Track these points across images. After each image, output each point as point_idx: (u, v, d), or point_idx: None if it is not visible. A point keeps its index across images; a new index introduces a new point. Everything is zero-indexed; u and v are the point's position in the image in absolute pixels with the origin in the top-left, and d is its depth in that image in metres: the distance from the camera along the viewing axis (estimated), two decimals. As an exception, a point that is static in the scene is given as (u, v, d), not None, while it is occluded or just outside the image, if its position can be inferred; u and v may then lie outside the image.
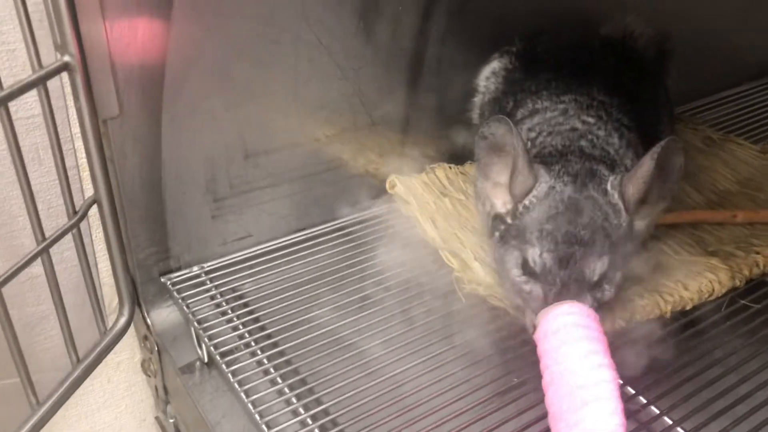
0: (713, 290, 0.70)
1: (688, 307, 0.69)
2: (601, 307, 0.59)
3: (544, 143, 0.66)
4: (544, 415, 0.55)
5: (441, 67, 0.82)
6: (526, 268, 0.58)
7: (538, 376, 0.61)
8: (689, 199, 0.83)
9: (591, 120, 0.68)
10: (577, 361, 0.53)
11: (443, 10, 0.77)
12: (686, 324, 0.70)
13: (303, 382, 0.63)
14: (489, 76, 0.81)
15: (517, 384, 0.63)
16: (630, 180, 0.59)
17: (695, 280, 0.70)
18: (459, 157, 0.86)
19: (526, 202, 0.60)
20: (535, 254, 0.57)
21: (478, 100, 0.82)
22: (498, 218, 0.63)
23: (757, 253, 0.73)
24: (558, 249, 0.56)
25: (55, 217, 0.69)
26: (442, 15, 0.78)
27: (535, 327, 0.57)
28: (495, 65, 0.80)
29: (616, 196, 0.59)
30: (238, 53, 0.67)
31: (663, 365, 0.64)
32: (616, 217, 0.59)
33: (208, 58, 0.65)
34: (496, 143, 0.60)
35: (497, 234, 0.63)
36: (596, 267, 0.57)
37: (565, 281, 0.56)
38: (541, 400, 0.59)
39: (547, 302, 0.57)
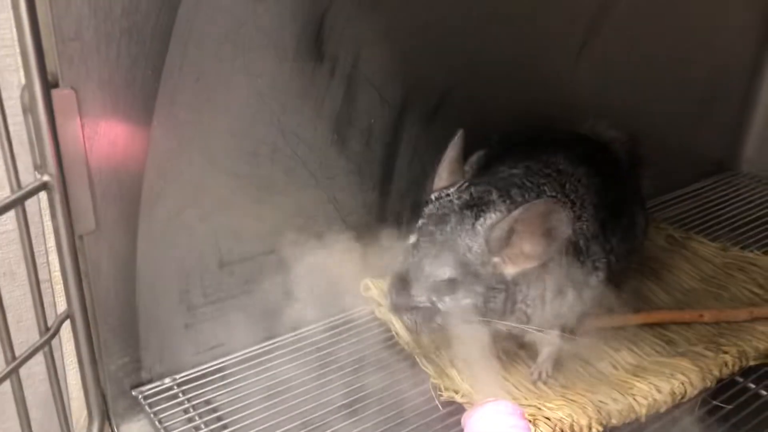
0: (685, 392, 0.71)
1: (662, 410, 0.70)
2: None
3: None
4: None
5: (411, 172, 0.84)
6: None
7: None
8: (657, 298, 0.85)
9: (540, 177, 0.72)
10: None
11: (414, 118, 0.80)
12: (660, 428, 0.70)
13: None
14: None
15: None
16: (496, 225, 0.63)
17: (667, 382, 0.70)
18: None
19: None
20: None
21: None
22: None
23: (725, 353, 0.75)
24: (414, 243, 0.65)
25: (24, 331, 0.68)
26: (414, 123, 0.80)
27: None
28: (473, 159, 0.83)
29: (481, 235, 0.63)
30: (215, 165, 0.68)
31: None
32: (475, 246, 0.63)
33: (185, 171, 0.66)
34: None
35: None
36: (437, 271, 0.63)
37: (406, 267, 0.64)
38: None
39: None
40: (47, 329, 0.60)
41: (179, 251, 0.70)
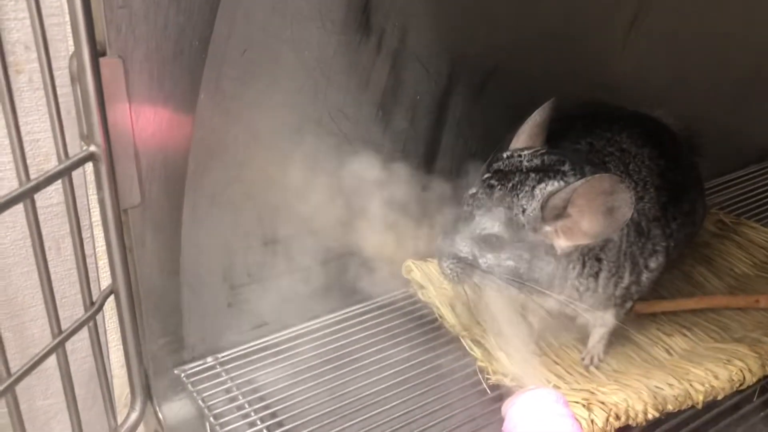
0: (744, 379, 0.68)
1: (719, 397, 0.67)
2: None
3: None
4: None
5: (455, 152, 0.82)
6: None
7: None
8: (708, 284, 0.83)
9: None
10: None
11: (460, 97, 0.78)
12: (718, 415, 0.68)
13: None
14: None
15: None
16: (555, 194, 0.60)
17: (725, 369, 0.68)
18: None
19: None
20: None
21: None
22: None
23: (784, 339, 0.72)
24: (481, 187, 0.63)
25: (69, 307, 0.67)
26: (459, 102, 0.78)
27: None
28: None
29: (538, 200, 0.61)
30: (260, 142, 0.67)
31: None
32: (529, 209, 0.61)
33: (230, 147, 0.65)
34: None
35: None
36: (486, 224, 0.61)
37: (459, 216, 0.63)
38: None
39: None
40: (92, 304, 0.59)
41: (223, 228, 0.68)
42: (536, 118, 0.68)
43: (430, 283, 0.79)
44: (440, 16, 0.73)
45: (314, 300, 0.77)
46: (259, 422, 0.66)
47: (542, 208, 0.60)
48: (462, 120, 0.80)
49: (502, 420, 0.65)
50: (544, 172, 0.62)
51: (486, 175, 0.64)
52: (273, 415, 0.67)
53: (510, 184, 0.62)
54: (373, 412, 0.67)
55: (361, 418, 0.66)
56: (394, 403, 0.68)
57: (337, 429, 0.65)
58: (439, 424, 0.66)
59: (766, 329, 0.74)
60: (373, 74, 0.71)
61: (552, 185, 0.61)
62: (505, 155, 0.66)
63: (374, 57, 0.71)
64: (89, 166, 0.58)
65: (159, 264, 0.65)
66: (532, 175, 0.62)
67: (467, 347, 0.73)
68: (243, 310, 0.73)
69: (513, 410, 0.55)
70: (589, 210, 0.59)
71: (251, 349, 0.74)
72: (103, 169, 0.56)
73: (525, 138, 0.68)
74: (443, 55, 0.75)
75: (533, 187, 0.61)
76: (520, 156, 0.64)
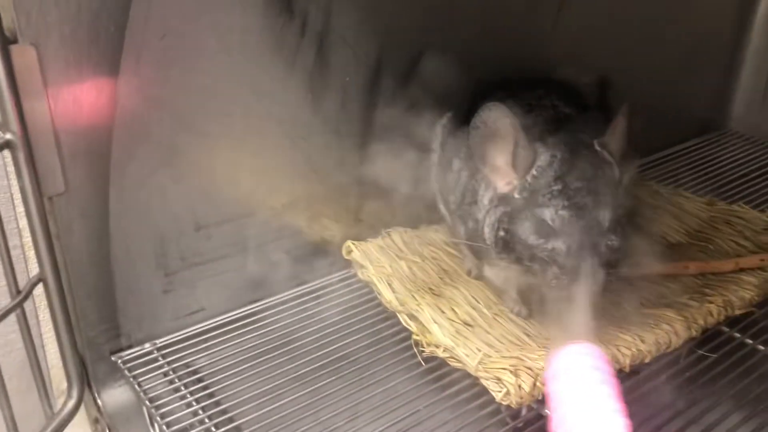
0: (670, 342, 0.70)
1: (646, 360, 0.69)
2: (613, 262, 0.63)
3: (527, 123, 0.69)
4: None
5: (390, 133, 0.83)
6: (542, 230, 0.62)
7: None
8: (642, 252, 0.84)
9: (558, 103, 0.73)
10: (590, 404, 0.54)
11: (390, 79, 0.79)
12: (646, 377, 0.69)
13: (259, 457, 0.61)
14: (440, 131, 0.82)
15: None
16: (611, 139, 0.65)
17: (652, 333, 0.70)
18: (415, 220, 0.86)
19: (534, 172, 0.64)
20: (552, 213, 0.62)
21: (435, 154, 0.83)
22: (503, 198, 0.66)
23: (711, 302, 0.74)
24: (572, 203, 0.61)
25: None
26: (390, 83, 0.79)
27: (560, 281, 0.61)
28: (444, 119, 0.81)
29: (606, 154, 0.65)
30: (186, 126, 0.67)
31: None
32: (611, 171, 0.64)
33: (155, 131, 0.66)
34: (490, 130, 0.64)
35: (502, 213, 0.65)
36: (607, 214, 0.62)
37: (583, 230, 0.61)
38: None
39: (569, 253, 0.61)
40: (18, 292, 0.60)
41: (153, 214, 0.69)
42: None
43: (369, 262, 0.80)
44: (364, -3, 0.74)
45: (251, 284, 0.78)
46: (195, 403, 0.66)
47: (615, 162, 0.65)
48: (394, 102, 0.81)
49: (434, 390, 0.68)
50: (583, 140, 0.65)
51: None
52: (210, 395, 0.68)
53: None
54: (313, 389, 0.67)
55: (301, 398, 0.67)
56: (332, 379, 0.69)
57: (278, 410, 0.65)
58: (377, 395, 0.67)
59: (693, 294, 0.76)
60: (299, 57, 0.72)
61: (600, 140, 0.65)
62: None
63: (299, 40, 0.71)
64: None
65: (89, 251, 0.66)
66: (591, 156, 0.64)
67: (403, 322, 0.74)
68: (179, 295, 0.73)
69: (554, 360, 0.59)
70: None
71: (189, 334, 0.74)
72: (21, 156, 0.57)
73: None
74: (371, 37, 0.76)
75: (596, 153, 0.65)
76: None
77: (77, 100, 0.60)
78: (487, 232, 0.67)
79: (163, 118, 0.66)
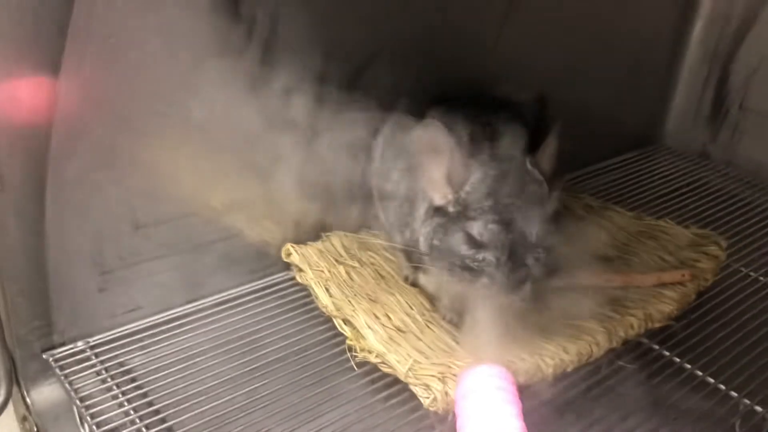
0: (592, 352, 0.74)
1: (569, 370, 0.72)
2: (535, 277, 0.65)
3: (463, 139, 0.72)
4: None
5: (333, 136, 0.84)
6: (473, 243, 0.65)
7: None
8: (569, 265, 0.88)
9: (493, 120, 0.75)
10: (494, 423, 0.58)
11: (334, 86, 0.80)
12: (568, 386, 0.73)
13: (191, 458, 0.62)
14: (381, 142, 0.83)
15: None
16: (542, 158, 0.69)
17: (574, 344, 0.73)
18: (354, 225, 0.88)
19: (467, 188, 0.66)
20: (481, 227, 0.64)
21: (375, 164, 0.85)
22: (438, 210, 0.69)
23: (632, 315, 0.78)
24: (501, 218, 0.64)
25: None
26: (333, 91, 0.80)
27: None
28: (386, 130, 0.83)
29: (536, 172, 0.68)
30: (127, 126, 0.67)
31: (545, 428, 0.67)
32: (540, 188, 0.68)
33: (96, 130, 0.65)
34: (427, 145, 0.67)
35: (437, 224, 0.68)
36: (533, 229, 0.65)
37: (511, 243, 0.64)
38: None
39: (498, 265, 0.64)
40: (-53, 289, 0.59)
41: (91, 213, 0.69)
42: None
43: (308, 266, 0.82)
44: (312, 4, 0.75)
45: (189, 284, 0.78)
46: (127, 403, 0.67)
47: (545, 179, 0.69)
48: (338, 108, 0.82)
49: (367, 394, 0.70)
50: (515, 158, 0.69)
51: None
52: (143, 395, 0.68)
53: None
54: (247, 391, 0.69)
55: (236, 399, 0.68)
56: (267, 381, 0.70)
57: (212, 411, 0.66)
58: (311, 397, 0.69)
59: (616, 306, 0.80)
60: (243, 61, 0.72)
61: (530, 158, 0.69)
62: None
63: (245, 44, 0.72)
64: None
65: (23, 248, 0.65)
66: (522, 174, 0.68)
67: (338, 326, 0.75)
68: (115, 294, 0.73)
69: (462, 378, 0.63)
70: None
71: (124, 333, 0.74)
72: (-46, 152, 0.56)
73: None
74: (316, 45, 0.77)
75: (527, 171, 0.68)
76: None
77: (15, 97, 0.59)
78: (422, 241, 0.70)
79: (104, 117, 0.66)
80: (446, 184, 0.67)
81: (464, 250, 0.65)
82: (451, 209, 0.67)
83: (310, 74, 0.78)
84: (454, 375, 0.66)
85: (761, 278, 0.90)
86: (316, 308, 0.79)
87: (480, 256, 0.65)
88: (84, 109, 0.64)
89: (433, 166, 0.67)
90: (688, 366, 0.76)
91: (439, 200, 0.68)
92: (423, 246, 0.70)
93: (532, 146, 0.77)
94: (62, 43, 0.60)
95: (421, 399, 0.66)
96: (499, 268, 0.64)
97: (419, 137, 0.66)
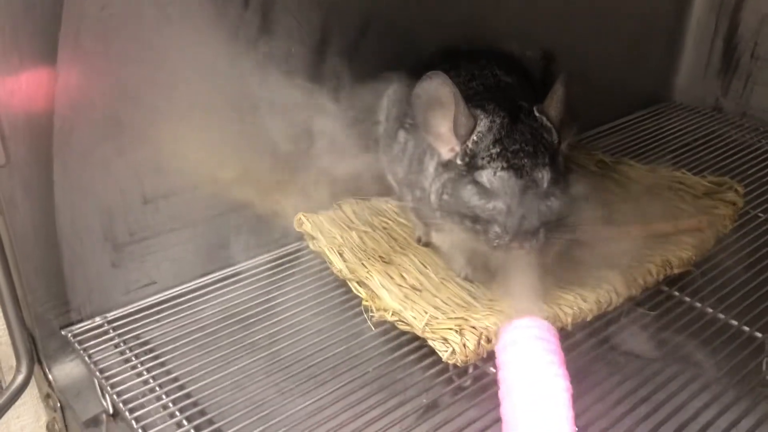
0: (611, 300, 0.73)
1: (588, 319, 0.71)
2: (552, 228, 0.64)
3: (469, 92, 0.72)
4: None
5: (338, 105, 0.84)
6: (483, 193, 0.64)
7: (448, 395, 0.64)
8: (584, 215, 0.87)
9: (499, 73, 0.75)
10: (535, 371, 0.57)
11: (335, 49, 0.80)
12: (589, 334, 0.72)
13: (210, 422, 0.62)
14: (385, 103, 0.83)
15: (429, 404, 0.64)
16: (550, 105, 0.67)
17: (593, 292, 0.72)
18: (365, 191, 0.87)
19: (474, 137, 0.65)
20: (490, 174, 0.63)
21: (381, 126, 0.84)
22: (447, 165, 0.67)
23: (650, 262, 0.77)
24: (511, 164, 0.63)
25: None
26: (335, 54, 0.80)
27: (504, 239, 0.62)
28: (390, 90, 0.82)
29: (544, 119, 0.67)
30: (129, 99, 0.67)
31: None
32: (550, 136, 0.66)
33: (98, 103, 0.65)
34: (431, 98, 0.65)
35: (447, 179, 0.67)
36: (545, 175, 0.64)
37: (522, 190, 0.63)
38: (452, 417, 0.61)
39: (509, 212, 0.62)
40: (-39, 266, 0.60)
41: (99, 187, 0.69)
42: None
43: (320, 234, 0.81)
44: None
45: (202, 257, 0.78)
46: (145, 373, 0.67)
47: (554, 127, 0.68)
48: (340, 73, 0.82)
49: (383, 353, 0.70)
50: (523, 107, 0.68)
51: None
52: (162, 365, 0.68)
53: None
54: (264, 356, 0.69)
55: (253, 364, 0.68)
56: (285, 345, 0.70)
57: (231, 376, 0.66)
58: (329, 359, 0.68)
59: (633, 254, 0.78)
60: (242, 28, 0.72)
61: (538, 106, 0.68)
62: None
63: (242, 11, 0.72)
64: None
65: (33, 225, 0.66)
66: (530, 122, 0.67)
67: (354, 289, 0.75)
68: (129, 269, 0.74)
69: (505, 333, 0.62)
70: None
71: (140, 307, 0.74)
72: (-42, 128, 0.56)
73: None
74: (315, 7, 0.77)
75: (536, 119, 0.67)
76: None
77: (14, 72, 0.59)
78: (433, 198, 0.69)
79: (106, 89, 0.66)
80: (453, 135, 0.66)
81: (474, 201, 0.64)
82: (459, 162, 0.66)
83: (310, 38, 0.78)
84: (472, 327, 0.66)
85: (781, 223, 0.89)
86: (331, 275, 0.79)
87: (490, 205, 0.63)
88: (85, 82, 0.64)
89: (438, 118, 0.66)
90: (710, 310, 0.75)
91: (446, 154, 0.67)
92: (434, 203, 0.69)
93: (537, 96, 0.76)
94: (59, 14, 0.60)
95: (439, 353, 0.66)
96: (510, 216, 0.63)
97: (424, 89, 0.65)
